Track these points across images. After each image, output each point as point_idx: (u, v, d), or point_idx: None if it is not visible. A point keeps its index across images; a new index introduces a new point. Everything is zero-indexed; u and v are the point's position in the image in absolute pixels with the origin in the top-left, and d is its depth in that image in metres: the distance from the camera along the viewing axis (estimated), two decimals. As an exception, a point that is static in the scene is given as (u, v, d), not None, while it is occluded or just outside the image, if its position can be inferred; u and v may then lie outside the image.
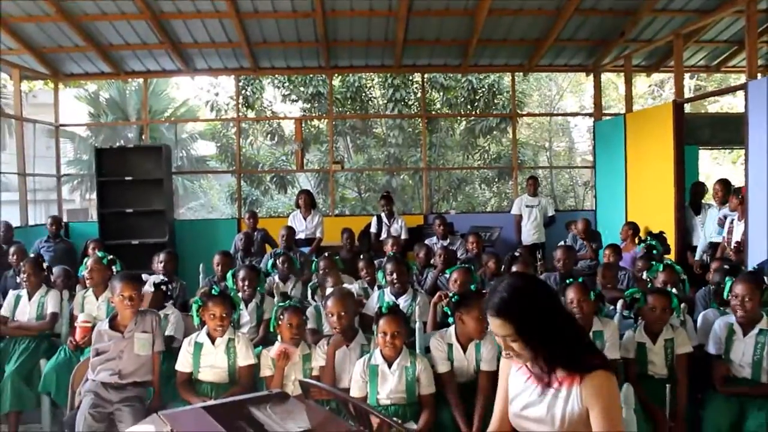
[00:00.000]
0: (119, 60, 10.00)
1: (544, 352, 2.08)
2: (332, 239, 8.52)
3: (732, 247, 6.66)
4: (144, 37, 9.29)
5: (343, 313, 3.77)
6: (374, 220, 8.80)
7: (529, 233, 9.25)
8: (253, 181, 15.98)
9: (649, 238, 6.90)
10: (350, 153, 16.21)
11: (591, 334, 3.73)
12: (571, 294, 3.79)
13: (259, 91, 14.93)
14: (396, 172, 15.59)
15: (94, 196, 10.65)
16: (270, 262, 6.36)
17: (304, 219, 8.56)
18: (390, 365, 3.45)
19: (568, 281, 3.88)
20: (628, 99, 9.93)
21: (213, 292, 3.98)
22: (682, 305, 4.28)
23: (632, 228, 7.82)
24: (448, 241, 8.05)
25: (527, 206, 9.38)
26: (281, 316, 3.83)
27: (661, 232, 7.55)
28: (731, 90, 9.30)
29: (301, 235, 8.41)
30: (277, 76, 14.16)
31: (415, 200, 15.48)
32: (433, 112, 14.70)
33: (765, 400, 3.51)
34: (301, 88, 14.52)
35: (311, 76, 13.99)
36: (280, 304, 3.98)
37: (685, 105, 8.19)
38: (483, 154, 15.52)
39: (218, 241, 9.27)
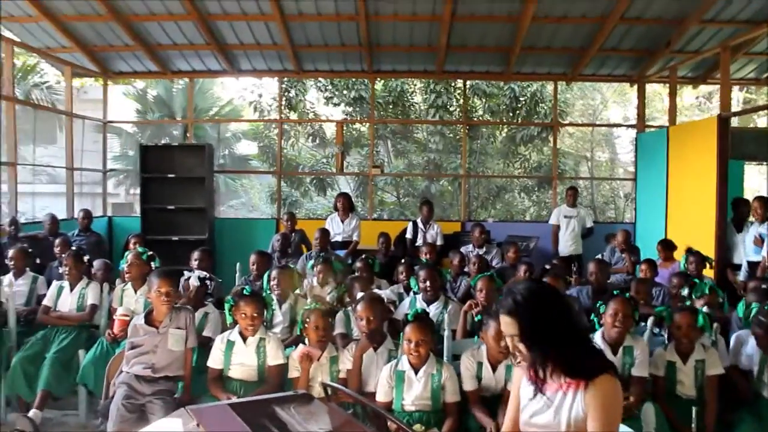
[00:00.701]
0: (166, 59, 10.23)
1: (544, 358, 2.14)
2: (369, 243, 8.58)
3: (769, 265, 6.54)
4: (191, 38, 9.49)
5: (371, 318, 3.82)
6: (410, 225, 8.85)
7: (567, 244, 9.17)
8: (293, 183, 16.13)
9: (687, 255, 6.77)
10: (390, 157, 16.24)
11: (621, 349, 3.72)
12: (614, 306, 3.77)
13: (302, 93, 15.06)
14: (435, 178, 15.58)
15: (138, 191, 10.85)
16: (310, 264, 6.41)
17: (342, 222, 8.62)
18: (416, 372, 3.49)
19: (614, 292, 3.86)
20: (672, 111, 9.79)
21: (245, 292, 4.06)
22: (715, 325, 4.22)
23: (666, 246, 7.67)
24: (484, 249, 8.04)
25: (565, 217, 9.31)
26: (307, 319, 3.88)
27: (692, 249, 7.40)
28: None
29: (338, 238, 8.48)
30: (319, 78, 14.32)
31: (454, 207, 15.43)
32: (474, 119, 14.68)
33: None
34: (344, 92, 14.63)
35: (354, 79, 14.08)
36: (306, 306, 4.04)
37: (732, 119, 8.04)
38: (523, 163, 15.42)
39: (257, 240, 9.41)
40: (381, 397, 3.52)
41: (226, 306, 4.08)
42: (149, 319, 4.07)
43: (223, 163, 18.02)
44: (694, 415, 3.42)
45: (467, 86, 11.53)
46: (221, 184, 19.23)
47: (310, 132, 15.91)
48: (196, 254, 6.33)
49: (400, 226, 9.27)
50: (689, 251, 6.68)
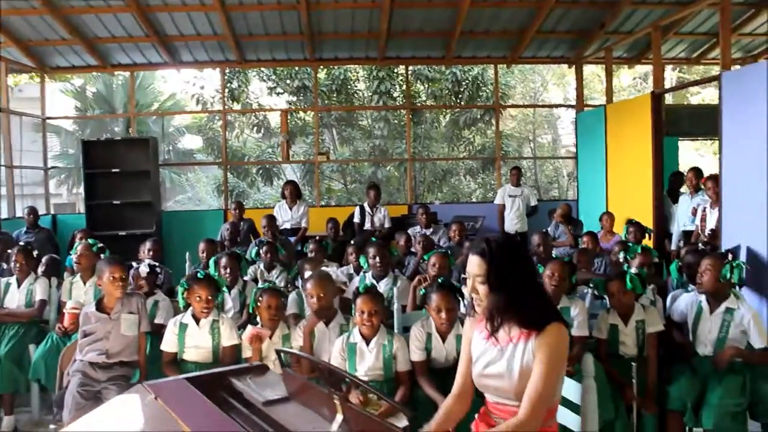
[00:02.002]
0: (105, 53, 10.07)
1: (503, 304, 2.23)
2: (318, 229, 8.63)
3: (706, 234, 6.82)
4: (130, 30, 9.37)
5: (322, 295, 3.91)
6: (357, 210, 8.93)
7: (512, 222, 9.40)
8: (239, 174, 16.08)
9: (628, 225, 7.03)
10: (336, 145, 16.30)
11: (559, 309, 3.88)
12: (551, 267, 3.95)
13: (245, 84, 15.01)
14: (381, 164, 15.69)
15: (81, 190, 10.78)
16: (254, 250, 6.48)
17: (290, 209, 8.66)
18: (368, 343, 3.59)
19: (554, 256, 4.03)
20: (609, 90, 10.09)
21: (199, 275, 4.10)
22: (651, 286, 4.42)
23: (608, 219, 7.95)
24: (431, 230, 8.18)
25: (510, 196, 9.53)
26: (260, 298, 3.95)
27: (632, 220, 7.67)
28: (705, 81, 9.47)
29: (286, 225, 8.53)
30: (262, 69, 14.28)
31: (401, 191, 15.59)
32: (418, 104, 14.83)
33: (725, 375, 3.65)
34: (287, 81, 14.63)
35: (296, 69, 14.10)
36: (259, 286, 4.11)
37: (667, 96, 8.33)
38: (468, 146, 15.67)
39: (205, 231, 9.35)
40: (335, 370, 3.61)
41: (180, 290, 4.12)
42: (100, 307, 4.09)
43: (168, 158, 17.84)
44: (634, 372, 3.62)
45: (410, 72, 11.63)
46: (167, 180, 19.05)
47: (255, 123, 15.86)
48: (147, 244, 6.38)
49: (349, 211, 9.34)
50: (629, 222, 6.93)
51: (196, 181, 20.66)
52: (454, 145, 15.78)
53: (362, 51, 10.56)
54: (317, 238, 6.35)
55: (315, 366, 2.34)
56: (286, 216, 8.62)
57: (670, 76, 16.12)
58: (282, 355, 2.54)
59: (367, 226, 8.71)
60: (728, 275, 3.88)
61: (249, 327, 3.90)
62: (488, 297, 2.26)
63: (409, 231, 7.81)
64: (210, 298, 4.02)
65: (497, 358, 2.29)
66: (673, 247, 7.61)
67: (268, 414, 2.27)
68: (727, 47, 6.84)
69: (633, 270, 4.14)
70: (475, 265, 2.27)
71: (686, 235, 7.49)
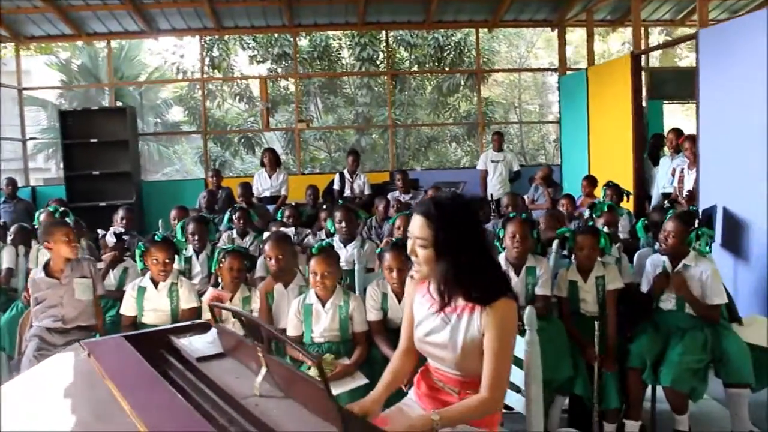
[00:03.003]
0: (80, 21, 9.88)
1: (451, 271, 2.11)
2: (299, 197, 8.57)
3: (684, 196, 6.77)
4: (105, -2, 9.20)
5: (280, 256, 3.86)
6: (337, 176, 8.87)
7: (495, 188, 9.33)
8: (223, 143, 15.95)
9: (605, 188, 6.96)
10: (320, 113, 16.17)
11: (524, 269, 3.84)
12: (511, 227, 3.86)
13: (225, 53, 14.83)
14: (365, 132, 15.57)
15: (65, 161, 10.60)
16: (227, 217, 6.43)
17: (269, 177, 8.59)
18: (324, 304, 3.54)
19: (510, 215, 3.97)
20: (590, 53, 9.97)
21: (156, 238, 4.05)
22: (618, 244, 4.38)
23: (590, 182, 7.88)
24: (410, 195, 8.13)
25: (492, 161, 9.47)
26: (222, 260, 3.90)
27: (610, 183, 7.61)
28: (683, 40, 9.34)
29: (266, 193, 8.48)
30: (243, 37, 14.10)
31: (386, 159, 15.50)
32: (400, 70, 14.66)
33: (687, 331, 3.61)
34: (268, 49, 14.44)
35: (276, 36, 13.92)
36: (222, 247, 4.06)
37: (654, 60, 8.23)
38: (452, 113, 15.55)
39: (185, 201, 9.15)
40: (291, 331, 3.57)
41: (137, 252, 4.07)
42: (48, 272, 4.03)
43: (156, 130, 17.73)
44: (596, 330, 3.57)
45: (392, 38, 11.49)
46: (154, 152, 18.95)
47: (237, 92, 15.69)
48: (120, 212, 6.34)
49: (330, 179, 9.30)
50: (606, 185, 6.86)
51: (183, 152, 20.53)
52: (439, 112, 15.64)
53: (342, 16, 10.39)
54: (293, 204, 6.30)
55: (248, 321, 2.29)
56: (265, 184, 8.56)
57: (657, 40, 15.92)
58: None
59: (347, 192, 8.65)
60: (693, 243, 3.80)
61: (210, 289, 3.85)
62: (432, 264, 2.13)
63: (389, 196, 7.77)
64: (167, 261, 3.96)
65: (440, 327, 2.22)
66: (652, 209, 7.56)
67: (200, 369, 2.24)
68: (704, 4, 6.72)
69: (605, 228, 4.10)
70: (417, 226, 2.12)
71: (666, 197, 7.45)
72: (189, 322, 2.89)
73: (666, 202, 5.64)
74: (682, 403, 3.48)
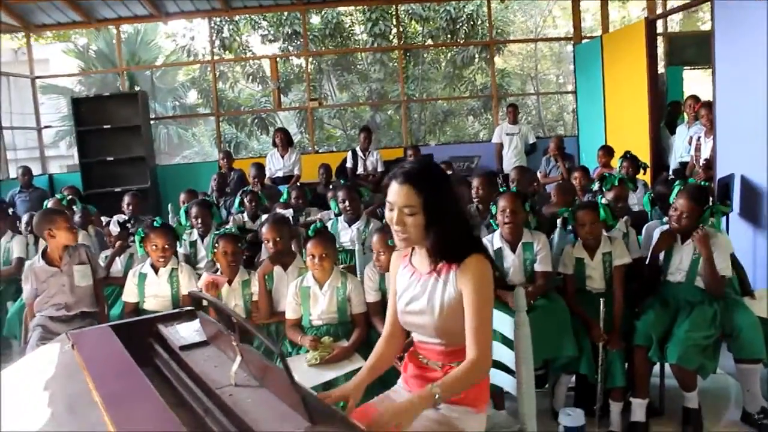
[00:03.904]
0: (89, 8, 9.84)
1: (442, 234, 2.08)
2: (313, 176, 8.53)
3: (701, 164, 6.60)
4: (110, -18, 9.15)
5: (278, 239, 3.82)
6: (349, 154, 8.81)
7: (511, 161, 9.18)
8: (237, 124, 15.91)
9: (621, 160, 6.80)
10: (334, 91, 16.04)
11: (521, 245, 3.74)
12: (501, 203, 3.76)
13: (236, 33, 14.73)
14: (379, 108, 15.42)
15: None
16: (238, 200, 6.40)
17: (282, 157, 8.55)
18: (321, 287, 3.50)
19: (501, 190, 3.87)
20: (605, 20, 9.77)
21: (155, 224, 4.03)
22: (625, 217, 4.26)
23: (607, 152, 7.71)
24: (423, 171, 8.03)
25: (507, 134, 9.33)
26: (216, 244, 3.87)
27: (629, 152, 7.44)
28: (697, 4, 9.06)
29: (279, 174, 8.45)
30: (253, 17, 13.99)
31: (402, 135, 15.43)
32: (410, 44, 14.50)
33: (695, 306, 3.50)
34: (279, 28, 14.31)
35: (286, 15, 13.76)
36: (216, 232, 4.03)
37: (674, 25, 8.01)
38: (469, 86, 15.31)
39: (200, 183, 9.26)
40: (290, 314, 3.54)
41: (137, 238, 4.07)
42: (47, 260, 4.03)
43: (174, 113, 17.75)
44: (602, 307, 3.48)
45: (405, 11, 11.29)
46: (174, 136, 19.00)
47: (250, 72, 15.59)
48: (126, 199, 6.36)
49: (344, 157, 9.23)
50: (623, 157, 6.69)
51: (201, 135, 20.56)
52: (455, 86, 15.41)
53: (351, -9, 10.23)
54: (299, 185, 6.25)
55: (219, 309, 2.26)
56: (278, 164, 8.53)
57: (677, 4, 15.54)
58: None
59: (360, 170, 8.59)
60: (708, 221, 3.65)
61: (204, 274, 3.83)
62: (422, 230, 2.08)
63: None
64: (167, 246, 3.96)
65: (419, 294, 2.18)
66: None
67: (183, 358, 2.24)
68: (719, -35, 6.49)
69: (604, 201, 3.98)
70: (403, 194, 2.05)
71: (683, 166, 7.28)
72: (177, 310, 2.87)
73: (672, 173, 5.46)
74: (690, 380, 3.39)
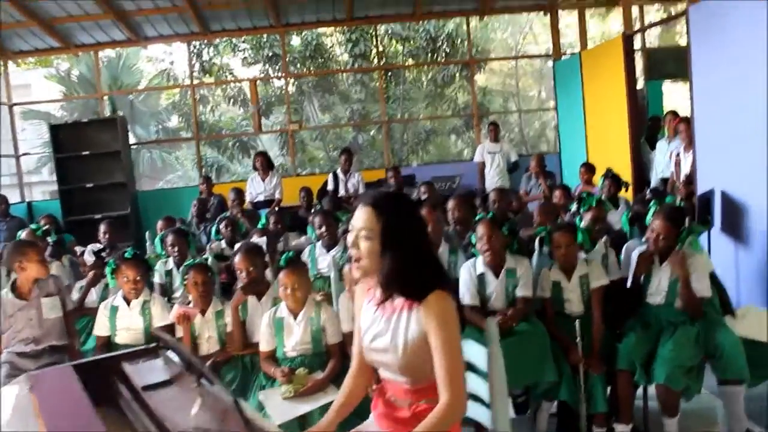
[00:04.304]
0: (66, 33, 9.79)
1: (394, 265, 2.02)
2: (294, 200, 8.46)
3: (681, 180, 6.58)
4: (87, 9, 9.06)
5: (251, 268, 3.75)
6: (330, 177, 8.76)
7: (493, 180, 9.14)
8: (219, 148, 15.86)
9: (603, 178, 6.75)
10: (315, 112, 16.02)
11: (504, 271, 3.68)
12: (479, 230, 3.70)
13: (216, 56, 14.73)
14: (361, 128, 15.38)
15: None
16: (214, 227, 6.32)
17: (263, 181, 8.48)
18: (295, 317, 3.42)
19: (478, 216, 3.81)
20: (583, 36, 9.79)
21: (126, 255, 3.95)
22: (604, 238, 4.21)
23: (588, 169, 7.69)
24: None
25: (489, 153, 9.28)
26: (187, 275, 3.79)
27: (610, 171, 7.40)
28: (673, 18, 9.11)
29: (260, 198, 8.37)
30: (233, 40, 13.96)
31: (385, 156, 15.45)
32: (393, 64, 14.50)
33: (678, 327, 3.44)
34: (259, 51, 14.32)
35: (266, 37, 13.76)
36: (187, 262, 3.95)
37: (654, 40, 8.04)
38: (451, 104, 15.34)
39: (182, 209, 9.19)
40: (264, 346, 3.45)
41: (108, 270, 3.97)
42: (17, 293, 3.92)
43: (158, 136, 17.69)
44: (578, 330, 3.41)
45: (379, 31, 11.30)
46: (158, 160, 18.92)
47: (231, 95, 15.57)
48: (102, 227, 6.24)
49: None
50: (605, 175, 6.65)
51: (185, 159, 20.49)
52: (437, 105, 15.45)
53: (329, 13, 10.19)
54: (277, 209, 6.17)
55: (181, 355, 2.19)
56: (259, 188, 8.45)
57: (655, 18, 15.66)
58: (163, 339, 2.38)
59: (342, 192, 8.53)
60: (685, 241, 3.60)
61: (175, 306, 3.74)
62: (375, 258, 2.03)
63: (383, 195, 7.60)
64: (138, 278, 3.86)
65: (383, 331, 2.11)
66: (650, 195, 7.34)
67: (144, 399, 2.15)
68: (695, -21, 6.50)
69: (582, 223, 3.92)
70: (363, 217, 2.02)
71: (664, 182, 7.27)
72: (143, 347, 2.80)
73: (649, 191, 5.43)
74: (674, 402, 3.31)
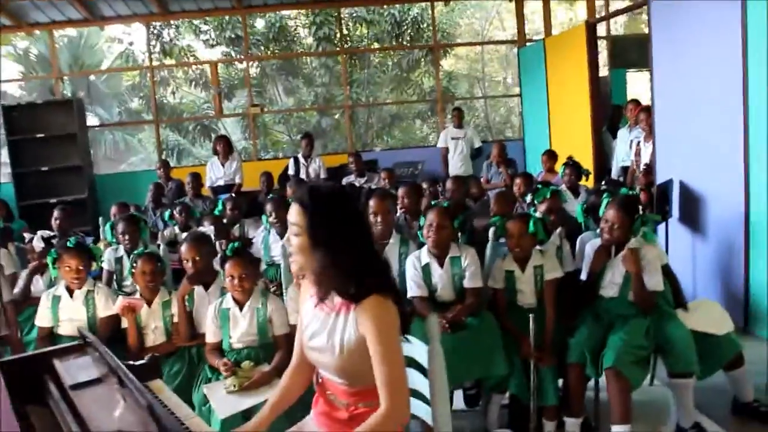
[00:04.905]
0: (20, 11, 9.47)
1: (325, 263, 1.95)
2: (255, 184, 8.33)
3: (641, 169, 6.59)
4: (40, -15, 8.82)
5: (197, 258, 3.64)
6: (291, 162, 8.66)
7: (456, 166, 9.13)
8: (180, 131, 15.61)
9: (564, 167, 6.72)
10: (280, 95, 15.82)
11: (448, 260, 3.60)
12: (429, 217, 3.61)
13: (178, 37, 14.44)
14: (325, 112, 15.26)
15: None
16: (168, 212, 6.19)
17: (222, 165, 8.33)
18: (241, 308, 3.33)
19: (432, 203, 3.74)
20: (548, 23, 9.77)
21: (68, 243, 3.82)
22: (559, 229, 4.15)
23: (550, 156, 7.66)
24: (365, 178, 7.92)
25: (453, 138, 9.25)
26: (135, 264, 3.68)
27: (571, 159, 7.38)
28: (634, 8, 9.08)
29: (220, 182, 8.23)
30: (194, 22, 13.71)
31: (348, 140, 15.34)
32: (354, 48, 14.38)
33: (629, 319, 3.41)
34: (221, 33, 14.07)
35: (228, 19, 13.54)
36: (136, 251, 3.84)
37: (619, 28, 8.00)
38: (416, 89, 15.24)
39: (141, 193, 8.97)
40: (210, 337, 3.37)
41: (49, 259, 3.83)
42: None
43: (120, 118, 17.34)
44: (531, 323, 3.32)
45: (346, 15, 11.16)
46: (120, 142, 18.55)
47: (192, 78, 15.31)
48: (54, 213, 6.05)
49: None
50: (566, 163, 6.62)
51: (147, 141, 20.13)
52: (403, 89, 15.33)
53: (293, -5, 10.06)
54: (231, 195, 6.07)
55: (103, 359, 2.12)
56: (218, 172, 8.31)
57: (620, 6, 15.68)
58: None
59: (302, 177, 8.42)
60: (639, 230, 3.56)
61: (119, 298, 3.63)
62: (307, 254, 1.98)
63: (344, 180, 7.55)
64: (81, 268, 3.73)
65: (320, 329, 2.05)
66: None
67: (72, 398, 2.08)
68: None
69: (538, 214, 3.86)
70: (293, 213, 1.99)
71: (625, 170, 7.28)
72: (74, 343, 2.70)
73: (604, 182, 5.41)
74: (624, 396, 3.19)
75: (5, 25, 9.80)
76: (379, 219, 3.85)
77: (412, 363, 2.30)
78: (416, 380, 2.33)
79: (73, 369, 2.34)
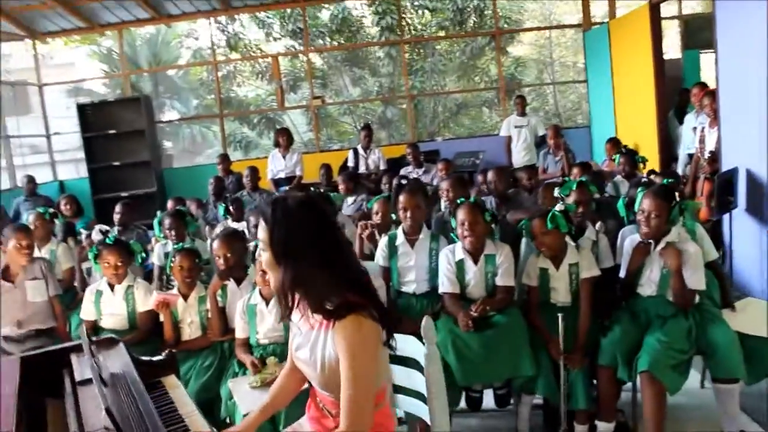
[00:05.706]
0: (90, 13, 9.83)
1: (287, 278, 1.89)
2: (316, 177, 8.38)
3: (705, 157, 6.28)
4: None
5: (228, 255, 3.69)
6: (351, 153, 8.68)
7: (520, 155, 8.95)
8: (248, 124, 15.90)
9: (619, 156, 6.46)
10: (347, 86, 15.87)
11: (483, 257, 3.53)
12: (460, 215, 3.54)
13: (242, 31, 14.66)
14: (390, 102, 15.20)
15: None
16: (222, 207, 6.29)
17: (283, 158, 8.43)
18: (267, 304, 3.36)
19: (459, 201, 3.66)
20: (612, 5, 9.39)
21: (108, 240, 3.94)
22: (598, 224, 3.99)
23: (614, 144, 7.38)
24: (423, 169, 7.86)
25: (516, 127, 9.07)
26: (173, 259, 3.77)
27: (626, 147, 7.05)
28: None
29: (281, 174, 8.33)
30: (258, 15, 13.91)
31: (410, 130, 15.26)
32: (420, 36, 14.24)
33: (669, 319, 3.26)
34: (284, 25, 14.20)
35: (290, 11, 13.65)
36: (175, 247, 3.93)
37: (694, 6, 7.63)
38: (483, 76, 14.99)
39: (207, 187, 9.23)
40: (239, 333, 3.41)
41: (90, 255, 3.97)
42: (6, 275, 3.98)
43: (197, 112, 17.84)
44: (560, 322, 3.20)
45: (407, 2, 11.05)
46: (198, 135, 19.10)
47: (258, 71, 15.52)
48: (116, 208, 6.27)
49: (349, 155, 9.06)
50: (620, 152, 6.38)
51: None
52: (469, 77, 15.10)
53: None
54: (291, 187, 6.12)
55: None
56: (279, 165, 8.42)
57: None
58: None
59: (362, 169, 8.44)
60: (677, 218, 3.39)
61: (155, 293, 3.73)
62: (274, 269, 1.93)
63: (402, 171, 7.53)
64: (119, 264, 3.86)
65: (304, 342, 2.02)
66: (680, 172, 7.03)
67: (78, 394, 2.22)
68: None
69: (558, 207, 3.70)
70: (259, 228, 1.96)
71: (691, 158, 6.96)
72: (95, 339, 2.80)
73: (645, 176, 5.17)
74: (660, 397, 3.08)
75: (79, 27, 10.17)
76: (408, 214, 3.80)
77: (413, 363, 2.30)
78: (416, 380, 2.31)
79: (86, 365, 2.42)
